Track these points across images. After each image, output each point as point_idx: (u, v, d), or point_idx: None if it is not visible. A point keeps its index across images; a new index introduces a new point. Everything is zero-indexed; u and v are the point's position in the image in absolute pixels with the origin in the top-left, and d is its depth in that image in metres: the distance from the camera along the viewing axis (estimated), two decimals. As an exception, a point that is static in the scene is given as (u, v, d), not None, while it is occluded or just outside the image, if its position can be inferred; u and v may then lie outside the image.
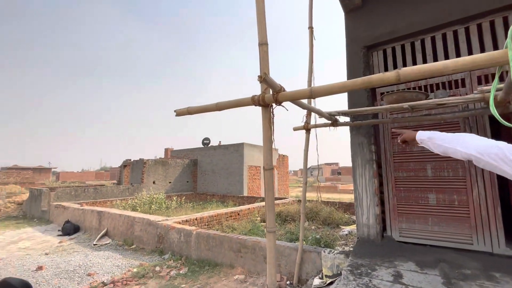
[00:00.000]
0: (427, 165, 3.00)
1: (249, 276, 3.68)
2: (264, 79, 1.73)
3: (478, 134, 2.84)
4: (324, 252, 3.21)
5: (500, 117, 1.07)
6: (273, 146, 1.95)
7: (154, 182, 13.90)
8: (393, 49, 3.37)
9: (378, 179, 3.28)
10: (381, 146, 3.32)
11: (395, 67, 3.41)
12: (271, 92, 1.87)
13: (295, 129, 3.30)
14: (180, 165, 15.42)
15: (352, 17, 3.56)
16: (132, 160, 15.41)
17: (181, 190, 15.09)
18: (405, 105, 2.39)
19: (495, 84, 1.12)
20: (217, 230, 5.81)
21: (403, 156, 3.16)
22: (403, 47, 3.31)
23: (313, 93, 1.74)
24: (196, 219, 6.03)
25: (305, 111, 3.23)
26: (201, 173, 15.80)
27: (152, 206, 9.46)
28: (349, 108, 3.34)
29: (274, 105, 1.90)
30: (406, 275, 2.26)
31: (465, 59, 1.18)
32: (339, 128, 3.20)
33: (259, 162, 15.05)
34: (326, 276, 3.05)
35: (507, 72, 1.90)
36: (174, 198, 11.12)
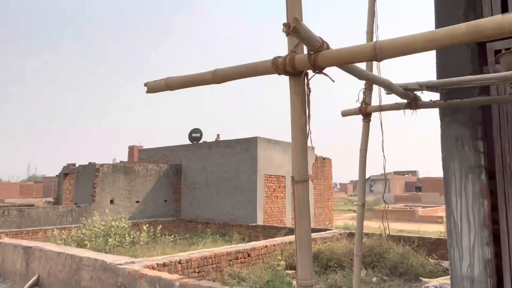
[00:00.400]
0: None
1: None
2: (295, 28, 1.70)
3: None
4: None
5: None
6: (308, 143, 1.93)
7: (112, 201, 14.29)
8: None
9: (490, 199, 3.13)
10: (496, 143, 3.18)
11: (520, 6, 3.28)
12: (305, 52, 1.85)
13: (345, 113, 3.24)
14: (153, 173, 15.68)
15: None
16: (77, 166, 15.88)
17: (156, 214, 15.40)
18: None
19: None
20: (214, 281, 5.85)
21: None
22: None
23: (378, 52, 1.69)
24: (180, 263, 6.12)
25: (361, 85, 3.18)
26: (187, 186, 15.90)
27: (110, 239, 9.75)
28: (437, 78, 3.22)
29: (310, 72, 1.88)
30: None
31: None
32: (419, 112, 3.11)
33: (283, 168, 15.00)
34: None
35: None
36: (145, 228, 11.32)
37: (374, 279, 6.13)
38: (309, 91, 1.87)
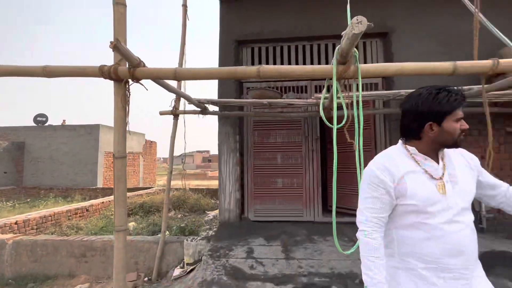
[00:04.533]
0: (278, 154, 4.21)
1: (97, 282, 3.64)
2: (116, 46, 1.74)
3: (311, 129, 4.17)
4: (187, 240, 3.62)
5: (325, 119, 1.64)
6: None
7: None
8: (259, 50, 4.36)
9: (241, 166, 4.18)
10: (244, 136, 4.28)
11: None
12: (127, 65, 1.90)
13: (162, 113, 3.54)
14: (-8, 150, 12.61)
15: (226, 8, 4.23)
16: None
17: (-5, 184, 12.39)
18: (265, 101, 3.21)
19: (324, 93, 1.66)
20: (52, 234, 5.20)
21: (261, 147, 4.24)
22: (267, 49, 4.34)
23: (177, 75, 1.90)
24: (16, 223, 5.15)
25: (174, 95, 3.44)
26: (30, 160, 14.02)
27: None
28: (218, 98, 4.01)
29: (130, 81, 1.95)
30: (256, 250, 3.06)
31: (307, 67, 1.67)
32: (210, 116, 3.76)
33: (122, 148, 14.40)
34: (187, 264, 3.45)
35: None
36: (-20, 195, 8.77)
37: (179, 215, 6.72)
38: (129, 95, 1.94)
